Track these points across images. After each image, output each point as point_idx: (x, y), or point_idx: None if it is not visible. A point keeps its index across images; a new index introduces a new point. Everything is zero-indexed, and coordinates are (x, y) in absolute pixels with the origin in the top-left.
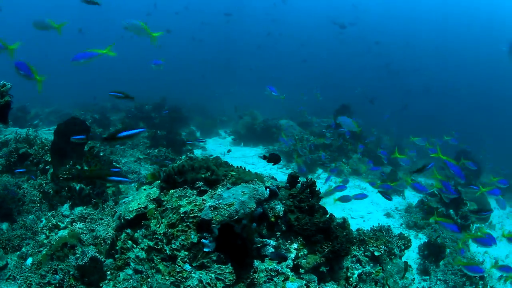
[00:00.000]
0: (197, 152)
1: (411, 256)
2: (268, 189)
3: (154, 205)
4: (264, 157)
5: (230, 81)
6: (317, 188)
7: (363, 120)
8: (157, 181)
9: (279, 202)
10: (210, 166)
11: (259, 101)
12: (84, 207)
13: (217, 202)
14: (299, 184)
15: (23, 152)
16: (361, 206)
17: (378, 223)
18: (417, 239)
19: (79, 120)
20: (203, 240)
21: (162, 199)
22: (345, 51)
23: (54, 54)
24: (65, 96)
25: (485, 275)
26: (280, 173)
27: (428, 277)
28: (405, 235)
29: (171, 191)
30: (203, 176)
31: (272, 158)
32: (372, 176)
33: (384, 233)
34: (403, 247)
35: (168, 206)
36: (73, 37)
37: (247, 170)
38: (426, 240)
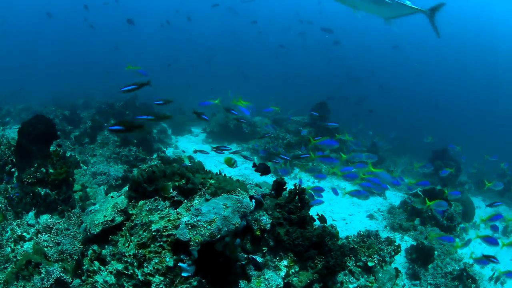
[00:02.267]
0: (169, 151)
1: (399, 260)
2: (253, 200)
3: (122, 218)
4: (254, 165)
5: (206, 76)
6: (306, 196)
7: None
8: (125, 188)
9: (265, 213)
10: (184, 173)
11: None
12: (50, 215)
13: (195, 219)
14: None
15: None
16: (342, 207)
17: (365, 228)
18: (403, 242)
19: (44, 118)
20: (180, 264)
21: (130, 212)
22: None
23: (28, 48)
24: (39, 92)
25: (476, 278)
26: (256, 173)
27: (418, 281)
28: (392, 238)
29: (141, 202)
30: (176, 184)
31: (261, 169)
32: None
33: (373, 238)
34: (393, 253)
35: (138, 222)
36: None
37: (227, 176)
38: (413, 243)
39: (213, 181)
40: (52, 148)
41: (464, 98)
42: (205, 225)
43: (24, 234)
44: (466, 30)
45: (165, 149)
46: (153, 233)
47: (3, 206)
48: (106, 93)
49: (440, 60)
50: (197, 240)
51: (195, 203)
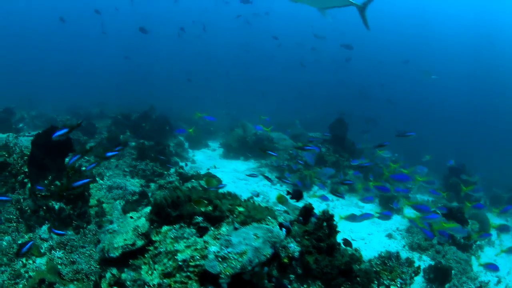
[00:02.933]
0: (186, 165)
1: (417, 280)
2: (283, 228)
3: (143, 242)
4: (288, 193)
5: (217, 88)
6: (334, 222)
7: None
8: (145, 209)
9: (293, 239)
10: (212, 199)
11: (246, 110)
12: (64, 230)
13: (226, 251)
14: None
15: (1, 162)
16: (360, 226)
17: (384, 248)
18: (421, 262)
19: (59, 129)
20: None
21: (154, 239)
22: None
23: (43, 55)
24: (52, 99)
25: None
26: (274, 190)
27: None
28: (411, 258)
29: (164, 228)
30: (202, 209)
31: (296, 195)
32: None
33: (394, 260)
34: (413, 275)
35: (162, 249)
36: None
37: (256, 204)
38: (431, 263)
39: (242, 209)
40: (67, 159)
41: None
42: (236, 257)
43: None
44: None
45: (183, 164)
46: (179, 263)
47: (14, 217)
48: (121, 103)
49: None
50: (227, 273)
51: (223, 231)
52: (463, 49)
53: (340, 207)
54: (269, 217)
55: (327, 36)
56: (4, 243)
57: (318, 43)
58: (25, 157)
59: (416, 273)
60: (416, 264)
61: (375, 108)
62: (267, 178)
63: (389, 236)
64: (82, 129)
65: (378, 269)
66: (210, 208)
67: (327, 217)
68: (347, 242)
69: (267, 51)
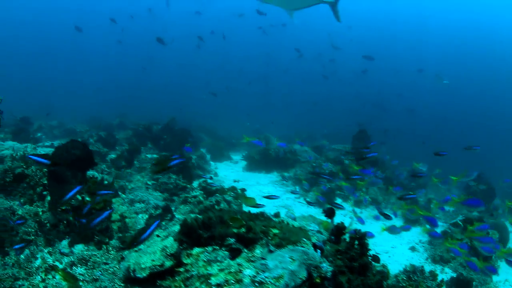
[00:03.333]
0: (208, 178)
1: None
2: (317, 250)
3: (171, 263)
4: (323, 211)
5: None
6: (366, 241)
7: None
8: (173, 228)
9: (325, 259)
10: (245, 220)
11: (266, 122)
12: (86, 246)
13: (262, 276)
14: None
15: (19, 172)
16: (384, 239)
17: (407, 261)
18: (444, 274)
19: (79, 143)
20: None
21: (185, 261)
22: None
23: (60, 65)
24: (71, 109)
25: None
26: (298, 204)
27: None
28: (434, 271)
29: (196, 250)
30: (235, 231)
31: (328, 213)
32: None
33: (419, 274)
34: None
35: (194, 273)
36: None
37: (290, 224)
38: (453, 275)
39: (276, 231)
40: (89, 173)
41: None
42: (273, 282)
43: (57, 263)
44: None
45: (206, 178)
46: (213, 287)
47: (33, 230)
48: (140, 114)
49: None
50: None
51: (257, 254)
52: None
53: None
54: (304, 239)
55: (342, 48)
56: (22, 256)
57: (336, 54)
58: (44, 169)
59: (440, 286)
60: (439, 277)
61: (393, 118)
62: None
63: (412, 249)
64: (102, 140)
65: (404, 284)
66: (243, 230)
67: (359, 236)
68: (375, 258)
69: (285, 63)
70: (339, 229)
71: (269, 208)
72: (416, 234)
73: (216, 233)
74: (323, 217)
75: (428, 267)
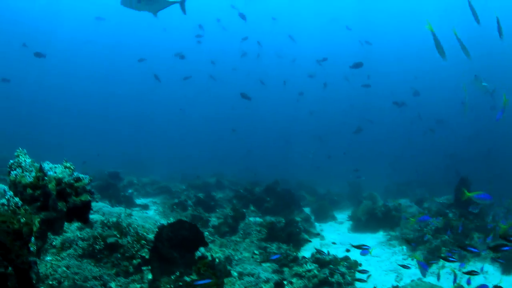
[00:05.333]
0: (315, 242)
1: None
2: None
3: None
4: None
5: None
6: None
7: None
8: None
9: None
10: None
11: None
12: None
13: None
14: None
15: (111, 243)
16: None
17: None
18: None
19: (186, 224)
20: None
21: None
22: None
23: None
24: (163, 164)
25: None
26: (413, 268)
27: None
28: None
29: None
30: None
31: None
32: None
33: None
34: None
35: None
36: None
37: None
38: None
39: None
40: (198, 253)
41: None
42: None
43: None
44: None
45: (320, 250)
46: None
47: None
48: (234, 170)
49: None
50: None
51: None
52: None
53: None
54: None
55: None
56: None
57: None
58: (142, 241)
59: None
60: None
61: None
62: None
63: None
64: (201, 202)
65: None
66: None
67: None
68: None
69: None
70: None
71: (378, 273)
72: None
73: None
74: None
75: None
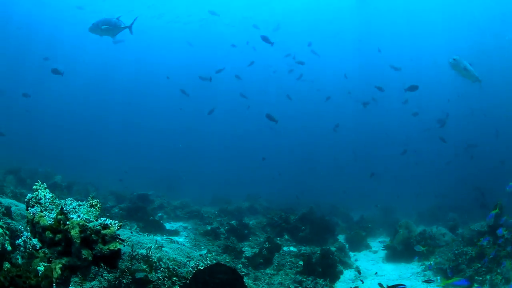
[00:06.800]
0: (350, 273)
1: None
2: None
3: None
4: None
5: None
6: None
7: None
8: None
9: None
10: None
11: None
12: None
13: None
14: None
15: (139, 278)
16: None
17: None
18: None
19: (225, 267)
20: None
21: None
22: None
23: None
24: (193, 181)
25: None
26: None
27: None
28: None
29: None
30: None
31: None
32: None
33: None
34: None
35: None
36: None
37: None
38: None
39: None
40: None
41: None
42: None
43: None
44: None
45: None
46: None
47: None
48: (267, 195)
49: None
50: None
51: None
52: None
53: None
54: None
55: None
56: None
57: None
58: (174, 278)
59: None
60: None
61: None
62: None
63: None
64: (233, 230)
65: None
66: None
67: None
68: None
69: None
70: None
71: None
72: None
73: None
74: None
75: None
